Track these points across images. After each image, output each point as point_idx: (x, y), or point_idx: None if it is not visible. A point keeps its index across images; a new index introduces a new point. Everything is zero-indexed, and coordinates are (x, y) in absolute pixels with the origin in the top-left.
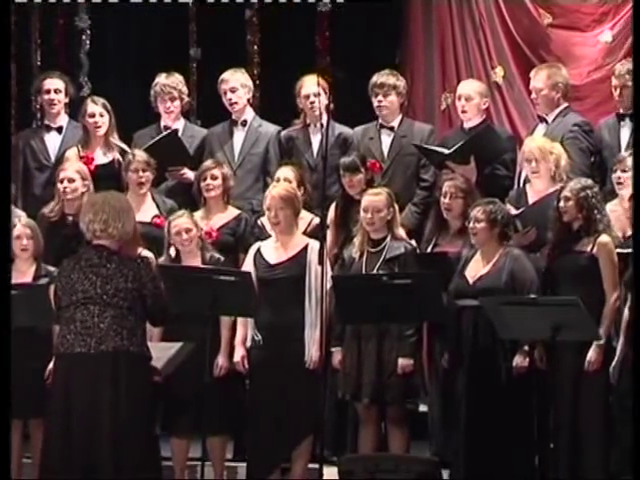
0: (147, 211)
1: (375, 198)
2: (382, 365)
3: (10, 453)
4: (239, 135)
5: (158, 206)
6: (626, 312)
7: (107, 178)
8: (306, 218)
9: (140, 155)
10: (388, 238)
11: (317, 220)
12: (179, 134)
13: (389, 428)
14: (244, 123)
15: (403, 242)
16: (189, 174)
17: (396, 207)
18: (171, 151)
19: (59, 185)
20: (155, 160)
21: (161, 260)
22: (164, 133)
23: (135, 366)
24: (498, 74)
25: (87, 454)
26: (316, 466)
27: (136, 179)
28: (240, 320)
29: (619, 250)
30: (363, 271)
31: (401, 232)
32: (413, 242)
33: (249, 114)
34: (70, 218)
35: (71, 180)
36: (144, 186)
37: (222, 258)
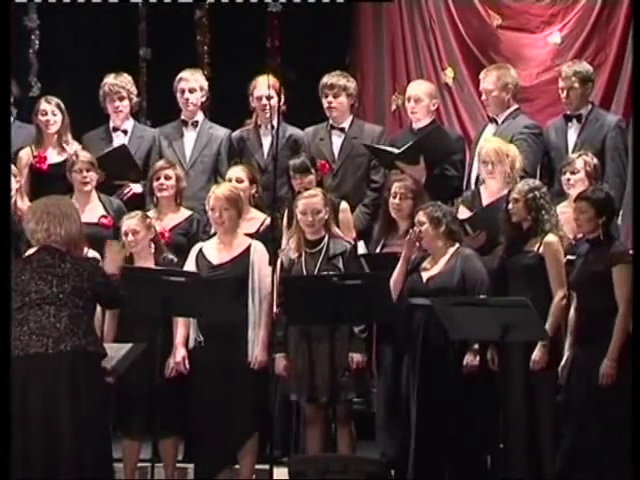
0: (93, 211)
1: (313, 200)
2: (335, 365)
3: (10, 453)
4: (190, 136)
5: (105, 206)
6: (572, 312)
7: (60, 177)
8: (259, 218)
9: (84, 155)
10: (326, 237)
11: (269, 220)
12: (128, 134)
13: (336, 428)
14: (195, 124)
15: (342, 240)
16: (135, 188)
17: (346, 207)
18: (120, 164)
19: None
20: (104, 172)
21: None
22: (113, 147)
23: (93, 365)
24: (448, 75)
25: (46, 454)
26: (266, 467)
27: (80, 179)
28: (181, 320)
29: (569, 257)
30: (302, 272)
31: (337, 230)
32: (351, 240)
33: (200, 116)
34: None
35: None
36: (88, 185)
37: (175, 259)
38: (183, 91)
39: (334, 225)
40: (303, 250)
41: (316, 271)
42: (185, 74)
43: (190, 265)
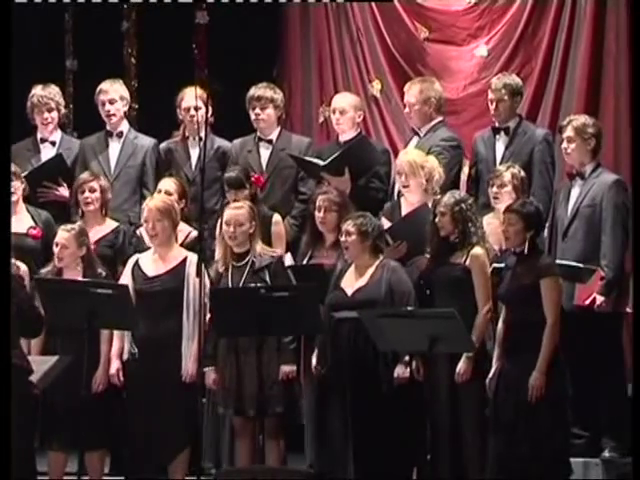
0: (22, 222)
1: (237, 212)
2: (263, 377)
3: (10, 453)
4: (115, 147)
5: (33, 217)
6: (500, 325)
7: None
8: (184, 230)
9: None
10: (251, 252)
11: (195, 233)
12: (56, 145)
13: (265, 440)
14: (120, 135)
15: (268, 253)
16: (63, 192)
17: (278, 219)
18: (56, 174)
19: None
20: (40, 182)
21: (46, 270)
22: (49, 157)
23: (17, 378)
24: (375, 87)
25: None
26: (194, 479)
27: None
28: (116, 333)
29: (495, 265)
30: (229, 286)
31: (261, 245)
32: (278, 251)
33: (124, 126)
34: None
35: None
36: (14, 195)
37: (104, 273)
38: (103, 103)
39: (259, 239)
40: (230, 263)
41: (241, 284)
42: (104, 85)
43: (126, 277)
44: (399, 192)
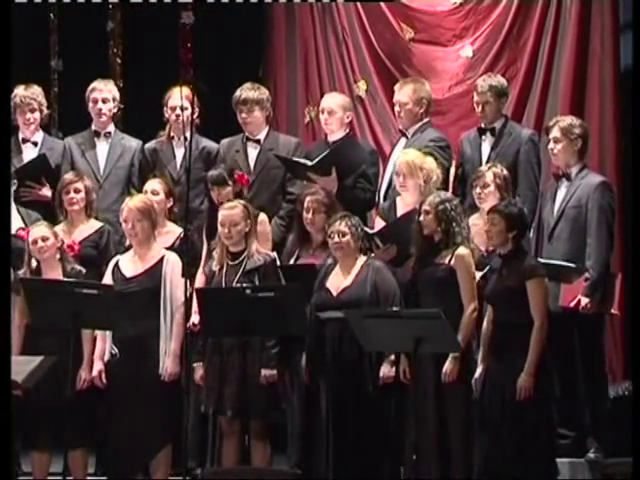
0: (12, 223)
1: (231, 212)
2: (245, 378)
3: (12, 453)
4: (102, 147)
5: (23, 218)
6: (485, 325)
7: None
8: (175, 231)
9: None
10: (247, 251)
11: None
12: (38, 146)
13: (251, 441)
14: (107, 135)
15: (262, 254)
16: (45, 191)
17: (264, 219)
18: (39, 174)
19: None
20: (23, 182)
21: (21, 272)
22: (33, 157)
23: None
24: (361, 88)
25: None
26: (179, 479)
27: None
28: (99, 334)
29: (483, 271)
30: (222, 284)
31: (256, 244)
32: (272, 253)
33: (111, 126)
34: None
35: None
36: None
37: (83, 270)
38: (96, 101)
39: (255, 238)
40: (225, 262)
41: (234, 284)
42: (98, 84)
43: (107, 278)
44: (385, 193)
